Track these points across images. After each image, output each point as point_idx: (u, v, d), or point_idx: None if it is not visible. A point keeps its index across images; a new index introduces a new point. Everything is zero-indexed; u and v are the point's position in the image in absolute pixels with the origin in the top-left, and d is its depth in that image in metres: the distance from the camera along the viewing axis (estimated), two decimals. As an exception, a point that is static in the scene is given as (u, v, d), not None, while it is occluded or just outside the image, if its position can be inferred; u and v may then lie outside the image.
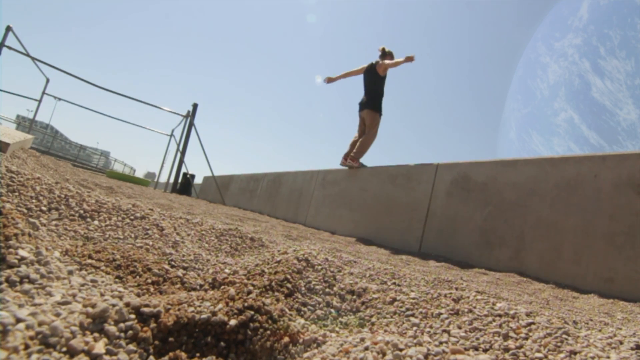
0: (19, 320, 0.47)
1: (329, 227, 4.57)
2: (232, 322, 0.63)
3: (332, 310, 0.88)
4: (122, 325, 0.54)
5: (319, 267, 1.05)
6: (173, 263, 0.97)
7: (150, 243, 1.08)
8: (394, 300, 0.92)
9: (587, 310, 1.36)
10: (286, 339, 0.66)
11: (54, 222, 1.01)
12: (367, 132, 4.55)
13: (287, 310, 0.76)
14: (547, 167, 2.56)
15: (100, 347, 0.49)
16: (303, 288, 0.92)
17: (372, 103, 4.53)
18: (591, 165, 2.32)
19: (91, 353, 0.48)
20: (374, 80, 4.53)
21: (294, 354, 0.64)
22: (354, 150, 4.55)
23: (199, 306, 0.64)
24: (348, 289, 0.98)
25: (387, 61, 4.45)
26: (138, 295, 0.74)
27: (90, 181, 3.32)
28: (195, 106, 9.29)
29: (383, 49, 4.55)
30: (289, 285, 0.89)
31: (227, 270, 0.97)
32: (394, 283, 1.07)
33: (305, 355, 0.65)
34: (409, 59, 4.19)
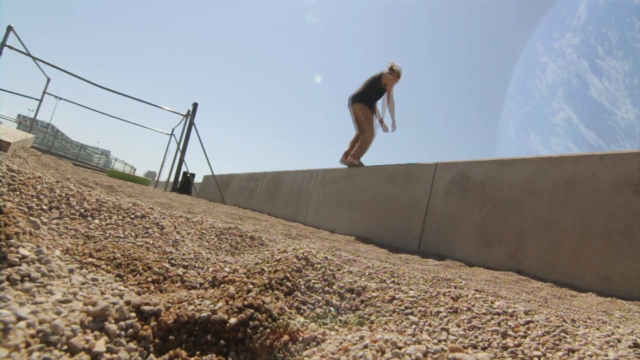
0: (20, 319, 0.47)
1: (329, 226, 4.57)
2: (232, 320, 0.63)
3: (332, 308, 0.88)
4: (122, 323, 0.54)
5: (319, 265, 1.05)
6: (173, 262, 0.98)
7: (151, 242, 1.08)
8: (393, 298, 0.93)
9: (585, 309, 1.36)
10: (286, 337, 0.66)
11: (54, 221, 1.01)
12: (364, 129, 4.54)
13: (286, 308, 0.76)
14: (545, 167, 2.57)
15: (100, 345, 0.50)
16: (302, 286, 0.92)
17: (362, 96, 4.54)
18: (589, 165, 2.33)
19: (92, 351, 0.48)
20: (374, 83, 4.58)
21: (294, 352, 0.65)
22: (354, 150, 4.54)
23: (199, 304, 0.65)
24: (347, 287, 0.98)
25: (393, 82, 4.48)
26: (138, 293, 0.75)
27: (90, 180, 3.32)
28: (195, 106, 9.28)
29: (391, 66, 4.58)
30: (289, 284, 0.89)
31: (227, 269, 0.98)
32: (393, 282, 1.07)
33: (305, 353, 0.65)
34: (393, 126, 4.60)
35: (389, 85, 4.48)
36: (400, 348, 0.64)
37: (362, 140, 4.52)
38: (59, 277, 0.65)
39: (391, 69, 4.58)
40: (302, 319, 0.77)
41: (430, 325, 0.79)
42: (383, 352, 0.62)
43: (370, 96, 4.56)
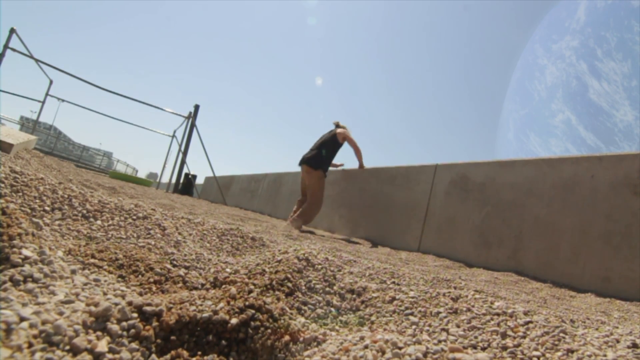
0: (22, 319, 0.48)
1: (329, 226, 4.58)
2: (234, 320, 0.63)
3: (332, 309, 0.89)
4: (124, 324, 0.55)
5: (319, 266, 1.05)
6: (175, 262, 0.98)
7: (153, 243, 1.08)
8: (393, 299, 0.93)
9: (584, 309, 1.37)
10: (287, 338, 0.66)
11: (57, 222, 1.02)
12: (309, 198, 3.94)
13: (287, 309, 0.76)
14: (544, 168, 2.57)
15: (103, 345, 0.50)
16: (303, 287, 0.92)
17: (314, 160, 4.01)
18: (588, 166, 2.33)
19: (94, 351, 0.48)
20: (329, 143, 4.17)
21: (295, 352, 0.65)
22: (299, 212, 3.89)
23: (201, 305, 0.65)
24: (348, 288, 0.98)
25: (350, 135, 4.15)
26: (140, 294, 0.75)
27: (93, 181, 3.33)
28: (196, 107, 9.30)
29: (337, 123, 4.35)
30: (290, 285, 0.90)
31: (228, 270, 0.98)
32: (394, 282, 1.08)
33: (306, 353, 0.66)
34: (361, 166, 4.25)
35: (349, 137, 4.12)
36: (400, 348, 0.64)
37: (305, 210, 3.89)
38: (61, 277, 0.65)
39: (337, 125, 4.33)
40: (303, 320, 0.77)
41: (430, 325, 0.80)
42: (383, 353, 0.62)
43: (326, 159, 4.08)
